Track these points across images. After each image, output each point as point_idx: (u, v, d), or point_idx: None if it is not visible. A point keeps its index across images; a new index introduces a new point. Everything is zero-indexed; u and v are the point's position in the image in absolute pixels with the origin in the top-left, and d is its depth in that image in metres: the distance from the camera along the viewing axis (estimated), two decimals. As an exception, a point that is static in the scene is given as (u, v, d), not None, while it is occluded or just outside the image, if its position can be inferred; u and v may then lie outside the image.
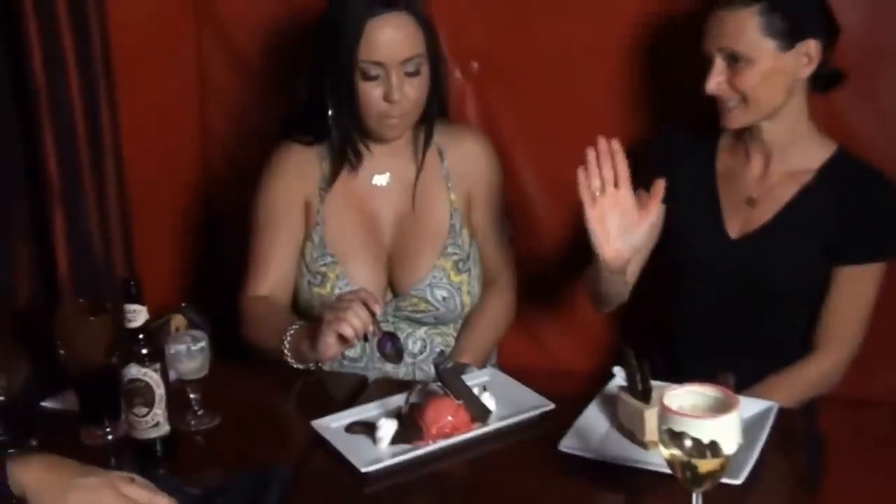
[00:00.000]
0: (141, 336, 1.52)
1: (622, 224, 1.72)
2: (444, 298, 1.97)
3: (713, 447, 1.22)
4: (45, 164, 1.87)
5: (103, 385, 1.61)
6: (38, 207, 1.90)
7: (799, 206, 1.87)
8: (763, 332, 1.92)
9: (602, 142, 1.71)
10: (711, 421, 1.23)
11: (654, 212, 1.73)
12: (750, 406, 1.55)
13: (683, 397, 1.27)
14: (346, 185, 2.00)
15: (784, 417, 1.58)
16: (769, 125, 1.87)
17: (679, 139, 1.99)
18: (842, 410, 2.00)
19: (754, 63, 1.77)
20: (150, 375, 1.53)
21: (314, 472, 1.56)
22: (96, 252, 1.98)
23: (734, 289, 1.90)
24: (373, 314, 1.69)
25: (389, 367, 1.96)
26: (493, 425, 1.60)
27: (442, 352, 1.86)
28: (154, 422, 1.54)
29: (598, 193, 1.71)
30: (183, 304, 2.09)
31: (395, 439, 1.56)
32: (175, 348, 1.63)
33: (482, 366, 1.96)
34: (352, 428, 1.61)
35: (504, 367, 2.04)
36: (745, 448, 1.32)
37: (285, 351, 1.80)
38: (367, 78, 1.87)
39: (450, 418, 1.58)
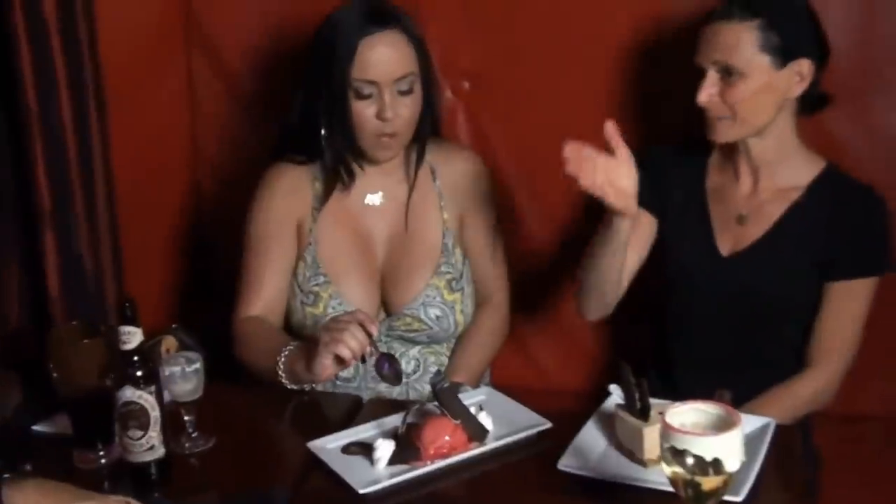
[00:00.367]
0: (136, 358, 1.51)
1: (615, 173, 1.70)
2: (437, 317, 1.97)
3: (716, 465, 1.22)
4: (35, 186, 1.86)
5: (97, 408, 1.59)
6: (28, 230, 1.89)
7: (789, 222, 1.88)
8: (757, 349, 1.92)
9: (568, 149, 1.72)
10: (714, 438, 1.23)
11: (621, 145, 1.71)
12: (748, 423, 1.54)
13: (685, 415, 1.27)
14: (338, 205, 1.99)
15: (781, 433, 1.58)
16: (757, 142, 1.88)
17: (668, 157, 2.00)
18: (835, 425, 2.02)
19: (747, 78, 1.78)
20: (145, 398, 1.51)
21: (311, 495, 1.54)
22: (87, 274, 1.97)
23: (727, 306, 1.91)
24: (370, 336, 1.69)
25: (383, 388, 1.95)
26: (490, 445, 1.59)
27: (439, 371, 1.85)
28: (149, 445, 1.53)
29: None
30: (173, 326, 2.08)
31: (393, 460, 1.55)
32: (169, 370, 1.62)
33: (476, 385, 1.96)
34: (349, 449, 1.60)
35: (497, 385, 2.03)
36: (745, 465, 1.32)
37: (279, 371, 1.79)
38: (361, 97, 1.87)
39: (447, 438, 1.57)
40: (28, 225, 1.89)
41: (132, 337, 1.51)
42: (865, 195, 1.87)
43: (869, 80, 2.03)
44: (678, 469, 1.24)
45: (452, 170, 2.03)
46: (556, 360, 2.36)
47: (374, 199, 2.01)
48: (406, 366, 1.98)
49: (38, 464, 1.55)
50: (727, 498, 1.32)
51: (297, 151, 2.00)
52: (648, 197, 1.98)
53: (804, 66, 1.80)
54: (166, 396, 1.59)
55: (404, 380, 1.97)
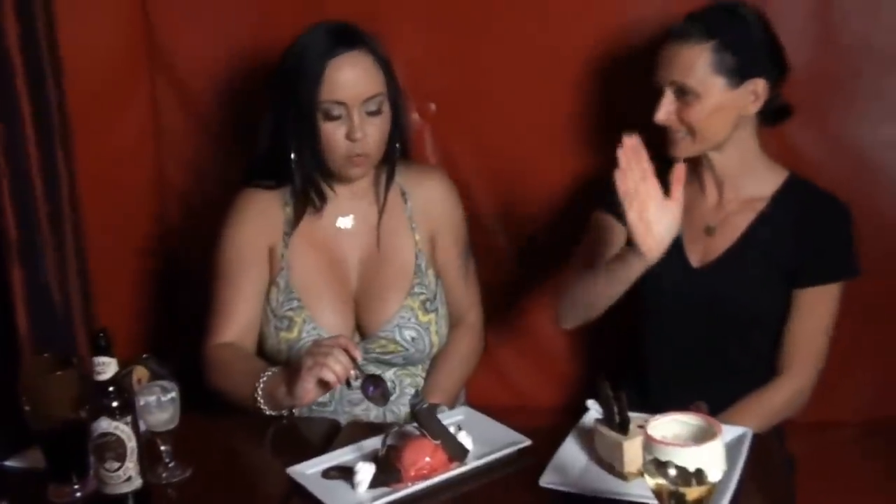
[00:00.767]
0: (111, 388, 1.49)
1: (658, 212, 1.70)
2: (412, 339, 1.97)
3: (699, 475, 1.23)
4: (2, 219, 1.83)
5: (71, 440, 1.57)
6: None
7: (756, 232, 1.91)
8: (729, 358, 1.94)
9: (627, 140, 1.71)
10: (696, 449, 1.23)
11: (680, 192, 1.72)
12: (725, 433, 1.56)
13: (666, 426, 1.28)
14: (310, 229, 1.99)
15: (758, 442, 1.59)
16: (718, 156, 1.91)
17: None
18: (808, 432, 2.05)
19: (702, 98, 1.82)
20: (121, 429, 1.49)
21: (293, 521, 1.53)
22: (55, 306, 1.94)
23: (698, 317, 1.93)
24: (354, 360, 1.68)
25: (359, 411, 1.95)
26: (471, 464, 1.59)
27: (417, 392, 1.84)
28: (126, 476, 1.50)
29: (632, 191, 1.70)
30: (144, 356, 2.05)
31: (374, 483, 1.54)
32: (145, 399, 1.60)
33: (452, 405, 1.96)
34: (329, 473, 1.59)
35: (472, 405, 2.03)
36: (724, 475, 1.32)
37: (258, 397, 1.78)
38: (330, 118, 1.87)
39: (428, 459, 1.56)
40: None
41: (107, 367, 1.49)
42: (829, 202, 1.90)
43: (828, 91, 2.07)
44: (661, 481, 1.24)
45: (423, 191, 2.04)
46: (529, 378, 2.37)
47: (345, 222, 2.01)
48: (382, 388, 1.97)
49: (12, 500, 1.53)
50: (709, 508, 1.33)
51: (266, 176, 1.99)
52: (616, 211, 2.00)
53: (759, 85, 1.83)
54: (142, 426, 1.57)
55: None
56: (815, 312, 1.89)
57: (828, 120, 2.09)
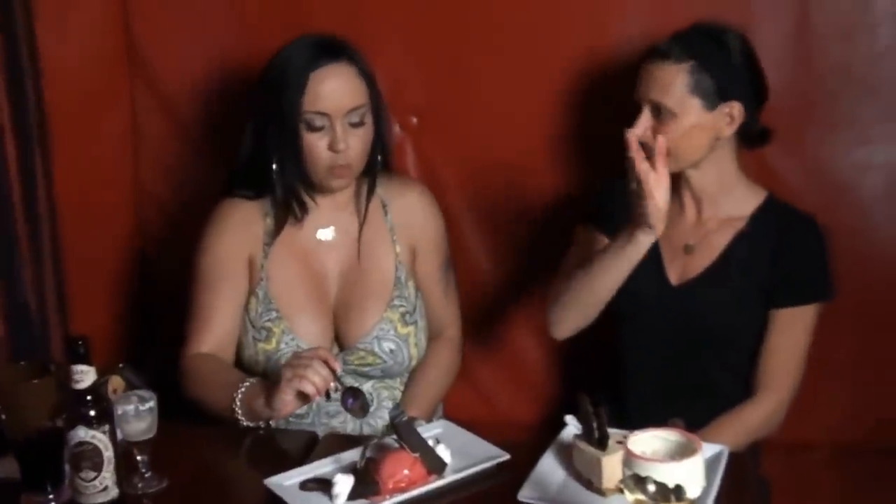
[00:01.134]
0: (89, 397, 1.48)
1: (657, 186, 1.75)
2: (391, 351, 1.97)
3: (678, 491, 1.24)
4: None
5: (47, 449, 1.55)
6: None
7: (734, 251, 1.93)
8: (706, 377, 1.96)
9: (631, 131, 1.78)
10: (676, 465, 1.25)
11: (665, 166, 1.77)
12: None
13: (646, 442, 1.29)
14: (290, 240, 1.99)
15: (733, 460, 1.60)
16: (696, 174, 1.93)
17: (619, 189, 2.03)
18: (782, 453, 2.06)
19: (678, 118, 1.84)
20: (98, 438, 1.48)
21: (270, 533, 1.53)
22: (32, 315, 1.94)
23: (676, 334, 1.94)
24: (333, 372, 1.68)
25: (337, 423, 1.95)
26: (449, 478, 1.59)
27: (397, 405, 1.85)
28: (102, 486, 1.49)
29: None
30: (120, 365, 2.04)
31: (352, 495, 1.54)
32: (122, 409, 1.59)
33: (429, 419, 1.96)
34: (306, 485, 1.58)
35: (449, 419, 2.04)
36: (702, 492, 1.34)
37: (236, 408, 1.77)
38: (313, 129, 1.88)
39: (406, 472, 1.56)
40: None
41: (85, 376, 1.48)
42: (807, 224, 1.92)
43: (805, 115, 2.09)
44: (641, 496, 1.25)
45: (404, 204, 2.04)
46: (507, 393, 2.37)
47: (325, 233, 2.01)
48: (359, 400, 1.97)
49: (-15, 508, 1.52)
50: (687, 525, 1.34)
51: (247, 186, 1.99)
52: (602, 218, 2.02)
53: (735, 108, 1.85)
54: (119, 436, 1.56)
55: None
56: (791, 332, 1.91)
57: (805, 143, 2.11)
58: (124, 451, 1.58)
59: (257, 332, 1.95)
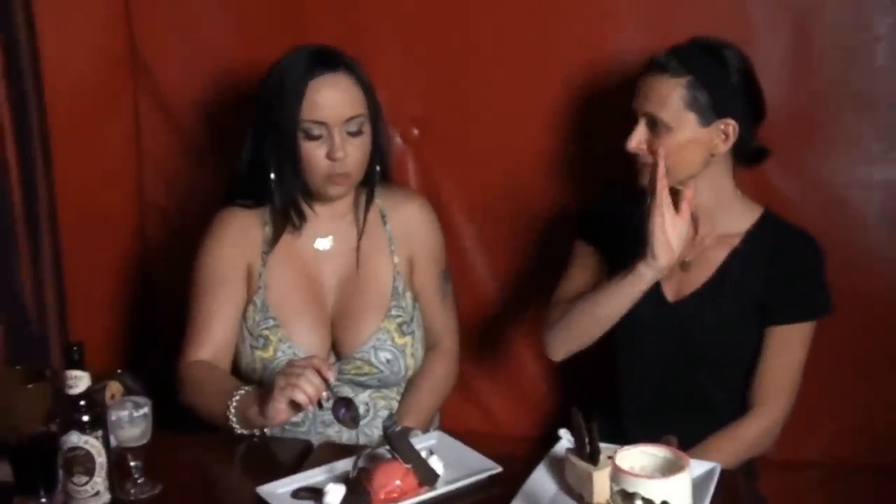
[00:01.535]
0: (82, 403, 1.49)
1: (673, 224, 1.75)
2: (388, 361, 1.97)
3: (665, 507, 1.24)
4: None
5: (40, 454, 1.56)
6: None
7: (730, 268, 1.93)
8: (702, 393, 1.95)
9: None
10: (662, 481, 1.25)
11: (688, 211, 1.77)
12: (694, 468, 1.57)
13: (635, 457, 1.29)
14: (288, 249, 2.00)
15: (727, 478, 1.60)
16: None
17: (616, 204, 2.04)
18: (780, 471, 2.06)
19: (673, 132, 1.84)
20: (91, 443, 1.49)
21: (260, 541, 1.53)
22: (31, 321, 1.94)
23: (672, 350, 1.94)
24: (326, 381, 1.69)
25: (332, 432, 1.95)
26: (440, 489, 1.59)
27: (391, 415, 1.85)
28: (94, 491, 1.51)
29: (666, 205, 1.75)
30: (119, 371, 2.05)
31: (343, 504, 1.55)
32: (117, 415, 1.60)
33: (426, 429, 1.96)
34: (298, 494, 1.59)
35: (446, 430, 2.04)
36: (692, 508, 1.34)
37: (230, 416, 1.78)
38: (311, 138, 1.89)
39: (398, 482, 1.57)
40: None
41: (79, 381, 1.49)
42: (802, 240, 1.92)
43: (805, 133, 2.10)
44: (628, 512, 1.26)
45: (403, 214, 2.05)
46: (505, 406, 2.37)
47: (324, 243, 2.02)
48: (356, 410, 1.97)
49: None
50: (676, 541, 1.33)
51: (246, 195, 2.00)
52: (599, 234, 2.02)
53: (730, 125, 1.85)
54: (113, 442, 1.57)
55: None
56: (786, 349, 1.91)
57: (804, 160, 2.11)
58: (118, 457, 1.60)
59: (254, 340, 1.96)
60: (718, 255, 1.93)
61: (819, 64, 2.07)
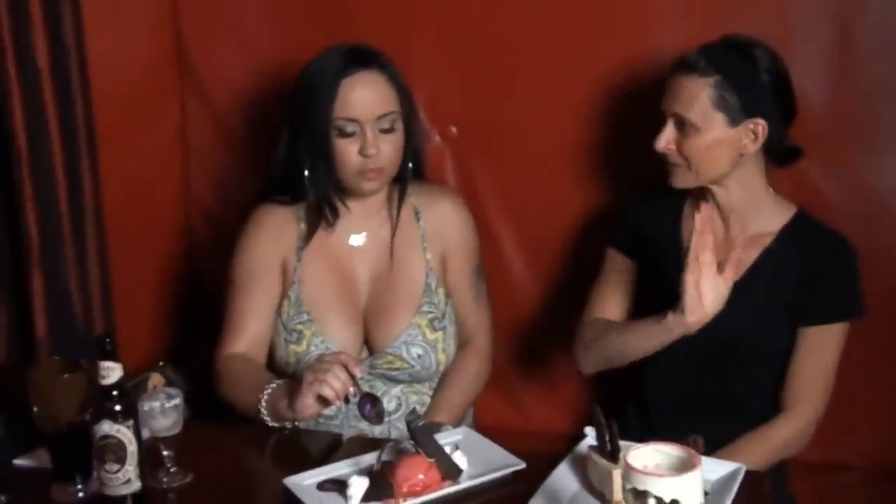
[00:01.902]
0: (114, 393, 1.53)
1: (711, 285, 1.74)
2: (419, 356, 1.99)
3: (675, 505, 1.24)
4: (25, 226, 1.89)
5: (76, 442, 1.61)
6: (17, 270, 1.92)
7: (762, 268, 1.90)
8: (732, 394, 1.94)
9: (704, 207, 1.78)
10: (673, 479, 1.25)
11: (732, 273, 1.76)
12: (717, 468, 1.56)
13: (648, 456, 1.29)
14: (322, 245, 2.03)
15: (752, 479, 1.58)
16: (720, 191, 1.90)
17: (646, 206, 2.03)
18: (814, 474, 2.03)
19: (701, 132, 1.82)
20: (122, 432, 1.53)
21: (285, 530, 1.56)
22: (76, 313, 1.99)
23: (703, 351, 1.92)
24: (353, 377, 1.71)
25: (365, 426, 1.97)
26: (463, 484, 1.61)
27: (414, 409, 1.88)
28: (125, 478, 1.54)
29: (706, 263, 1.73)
30: (161, 363, 2.10)
31: (366, 497, 1.57)
32: (149, 405, 1.64)
33: (457, 425, 1.97)
34: (323, 486, 1.61)
35: (481, 426, 2.06)
36: (709, 507, 1.33)
37: (261, 409, 1.82)
38: (343, 135, 1.91)
39: (421, 476, 1.59)
40: (17, 265, 1.92)
41: (112, 372, 1.53)
42: (834, 241, 1.89)
43: (847, 133, 2.06)
44: (640, 509, 1.26)
45: (436, 211, 2.07)
46: (539, 402, 2.38)
47: (357, 239, 2.04)
48: (388, 404, 1.99)
49: (14, 497, 1.58)
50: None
51: (283, 192, 2.04)
52: (628, 242, 2.02)
53: (759, 125, 1.82)
54: (146, 432, 1.61)
55: (386, 418, 1.98)
56: (819, 351, 1.88)
57: (846, 161, 2.07)
58: (151, 446, 1.64)
59: (288, 335, 1.99)
60: (750, 255, 1.91)
61: (861, 64, 2.03)
